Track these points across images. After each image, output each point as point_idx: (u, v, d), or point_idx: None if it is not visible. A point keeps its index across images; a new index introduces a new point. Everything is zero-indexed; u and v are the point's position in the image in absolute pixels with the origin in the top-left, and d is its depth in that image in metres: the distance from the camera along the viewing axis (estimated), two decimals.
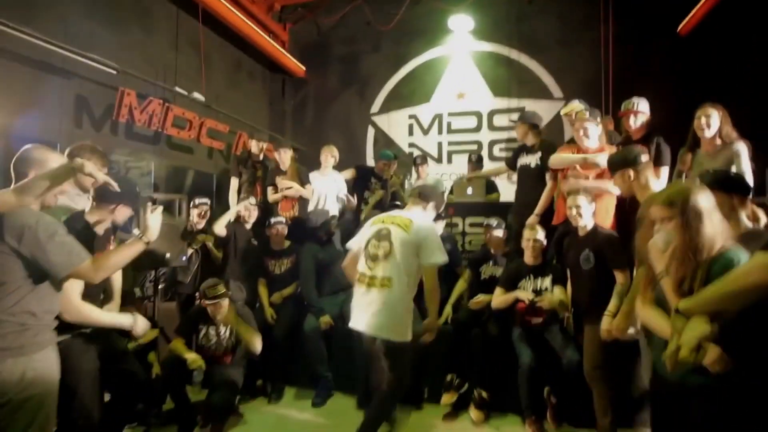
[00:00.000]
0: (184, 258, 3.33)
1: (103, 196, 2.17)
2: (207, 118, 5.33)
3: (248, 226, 3.85)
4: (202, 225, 3.69)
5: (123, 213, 2.26)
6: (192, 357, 2.76)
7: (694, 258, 1.43)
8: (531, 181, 3.47)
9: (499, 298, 2.99)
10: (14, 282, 1.58)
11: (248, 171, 4.42)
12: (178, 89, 4.98)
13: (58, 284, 1.71)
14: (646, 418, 2.61)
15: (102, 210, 2.19)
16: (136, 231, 2.09)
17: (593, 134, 2.97)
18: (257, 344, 2.90)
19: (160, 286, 3.68)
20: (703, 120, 2.46)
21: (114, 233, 2.32)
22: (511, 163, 3.80)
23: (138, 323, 2.20)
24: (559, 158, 3.07)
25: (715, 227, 1.45)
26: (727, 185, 1.72)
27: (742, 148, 2.33)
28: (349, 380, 3.24)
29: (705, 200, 1.47)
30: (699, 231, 1.42)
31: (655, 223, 1.59)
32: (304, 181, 4.21)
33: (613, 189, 2.69)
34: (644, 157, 2.24)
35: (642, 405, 2.70)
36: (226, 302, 2.93)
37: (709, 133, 2.42)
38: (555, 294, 2.85)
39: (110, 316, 2.18)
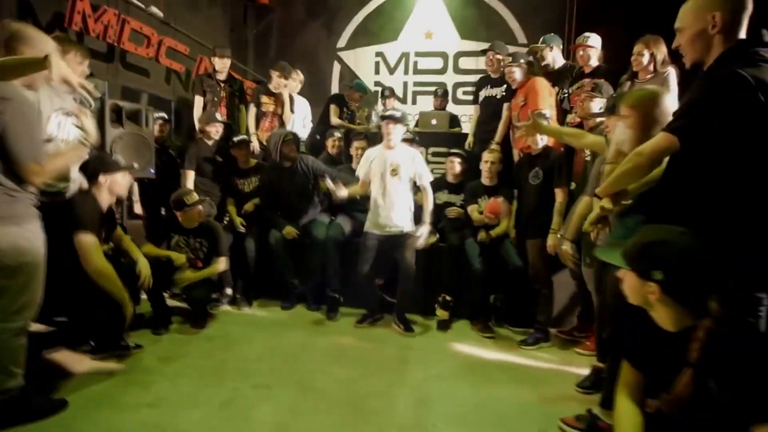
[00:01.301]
0: (151, 170, 3.32)
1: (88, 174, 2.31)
2: (166, 36, 5.06)
3: (210, 143, 3.81)
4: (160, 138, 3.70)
5: (115, 182, 2.37)
6: (175, 255, 2.94)
7: None
8: (495, 111, 3.72)
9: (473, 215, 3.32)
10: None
11: (212, 90, 4.29)
12: (134, 0, 4.67)
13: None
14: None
15: (97, 187, 2.32)
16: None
17: (518, 77, 3.43)
18: (220, 268, 3.09)
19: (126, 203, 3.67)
20: (636, 56, 2.75)
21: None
22: (474, 97, 4.04)
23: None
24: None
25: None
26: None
27: (671, 75, 2.66)
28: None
29: (662, 105, 1.71)
30: (647, 130, 1.67)
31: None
32: (292, 110, 4.25)
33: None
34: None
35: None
36: (198, 210, 3.04)
37: (641, 66, 2.73)
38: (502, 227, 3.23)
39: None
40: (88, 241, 2.22)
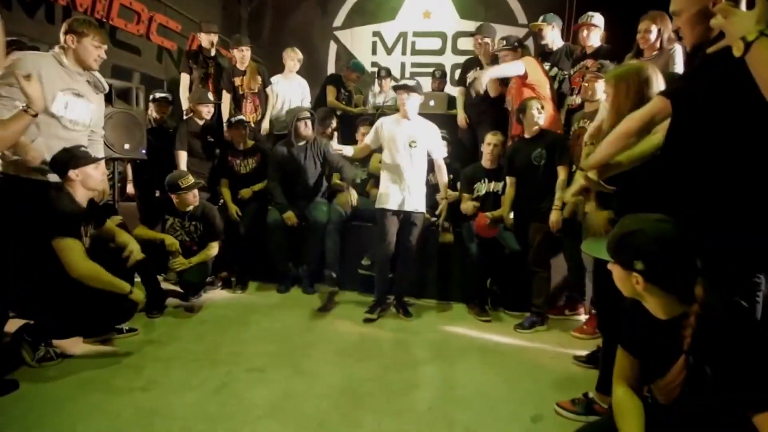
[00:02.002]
0: (143, 150, 3.25)
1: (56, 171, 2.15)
2: (157, 13, 4.91)
3: (201, 122, 3.71)
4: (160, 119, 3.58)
5: (88, 176, 2.19)
6: (170, 239, 2.88)
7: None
8: (485, 93, 3.64)
9: (464, 204, 3.26)
10: None
11: (199, 67, 4.15)
12: None
13: None
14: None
15: (69, 183, 2.16)
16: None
17: (510, 60, 3.33)
18: (213, 252, 3.05)
19: (117, 184, 3.61)
20: (642, 34, 2.67)
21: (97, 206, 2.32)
22: (461, 79, 3.96)
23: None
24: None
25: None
26: None
27: (677, 52, 2.58)
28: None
29: (645, 81, 1.66)
30: (628, 105, 1.62)
31: None
32: (265, 83, 4.11)
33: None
34: None
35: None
36: (193, 193, 2.98)
37: (648, 44, 2.65)
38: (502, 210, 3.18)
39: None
40: (67, 246, 2.05)
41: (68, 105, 2.20)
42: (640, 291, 1.17)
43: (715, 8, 1.24)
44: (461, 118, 3.92)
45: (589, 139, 1.95)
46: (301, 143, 3.49)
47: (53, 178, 2.18)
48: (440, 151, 3.13)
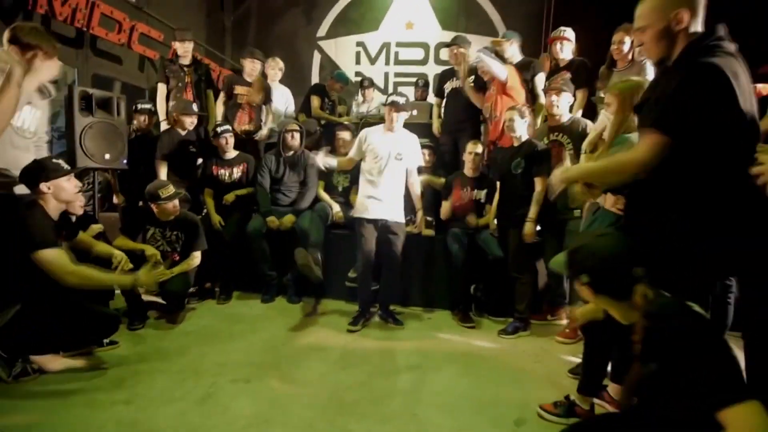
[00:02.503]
0: (124, 161, 3.22)
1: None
2: (138, 22, 4.88)
3: (183, 133, 3.70)
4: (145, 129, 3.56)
5: (61, 188, 2.12)
6: (150, 250, 2.84)
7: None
8: (465, 103, 3.73)
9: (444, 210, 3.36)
10: None
11: (176, 76, 4.12)
12: None
13: None
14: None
15: (40, 196, 2.09)
16: None
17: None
18: (195, 262, 3.04)
19: (98, 195, 3.55)
20: (617, 45, 2.79)
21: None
22: (438, 90, 4.05)
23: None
24: None
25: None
26: None
27: (648, 63, 2.69)
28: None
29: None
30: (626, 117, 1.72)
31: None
32: (267, 99, 4.15)
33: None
34: None
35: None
36: (174, 203, 2.96)
37: (621, 55, 2.77)
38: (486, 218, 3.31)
39: None
40: (50, 256, 1.98)
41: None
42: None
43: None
44: (436, 128, 4.07)
45: (587, 147, 2.02)
46: (289, 154, 3.56)
47: (20, 190, 2.11)
48: (417, 163, 3.17)
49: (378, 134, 3.05)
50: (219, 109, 4.20)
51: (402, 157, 3.01)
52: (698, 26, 1.40)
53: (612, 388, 1.94)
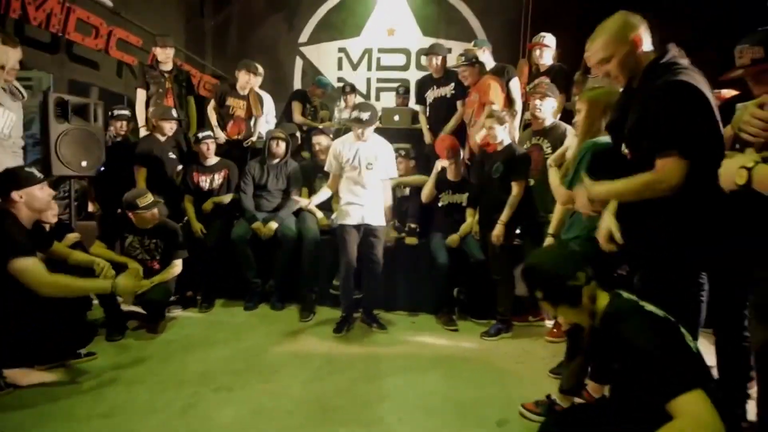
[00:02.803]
0: (101, 168, 3.16)
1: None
2: (116, 27, 4.81)
3: (163, 139, 3.66)
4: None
5: (34, 197, 2.07)
6: (133, 264, 2.80)
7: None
8: (448, 110, 3.78)
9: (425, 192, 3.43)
10: None
11: (156, 82, 4.06)
12: None
13: None
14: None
15: (12, 205, 2.02)
16: None
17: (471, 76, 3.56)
18: (176, 270, 3.01)
19: (74, 203, 3.47)
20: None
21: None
22: (419, 98, 4.10)
23: None
24: None
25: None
26: None
27: None
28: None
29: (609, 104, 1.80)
30: (599, 126, 1.78)
31: None
32: (260, 113, 4.15)
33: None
34: None
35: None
36: (152, 212, 2.91)
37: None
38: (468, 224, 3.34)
39: None
40: (24, 267, 1.92)
41: None
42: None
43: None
44: (428, 136, 4.04)
45: (553, 162, 2.07)
46: (274, 162, 3.58)
47: None
48: (391, 171, 3.13)
49: (348, 144, 3.03)
50: (212, 115, 4.15)
51: (373, 166, 3.00)
52: (649, 45, 1.50)
53: (591, 386, 1.99)
